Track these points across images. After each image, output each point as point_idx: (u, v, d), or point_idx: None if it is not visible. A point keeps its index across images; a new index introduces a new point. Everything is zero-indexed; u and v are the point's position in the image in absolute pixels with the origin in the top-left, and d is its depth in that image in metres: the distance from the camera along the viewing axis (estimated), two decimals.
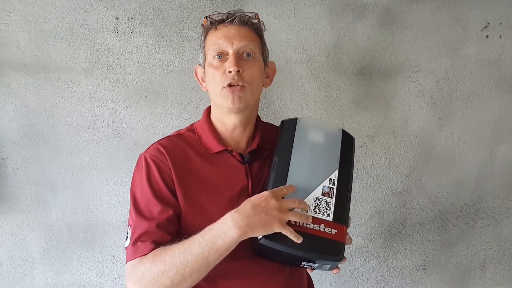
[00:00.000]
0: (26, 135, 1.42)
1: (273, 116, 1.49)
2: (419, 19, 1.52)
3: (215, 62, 0.97)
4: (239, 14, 0.98)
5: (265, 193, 0.87)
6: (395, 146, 1.58)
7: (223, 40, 0.96)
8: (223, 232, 0.83)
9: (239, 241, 0.84)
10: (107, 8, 1.40)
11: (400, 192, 1.61)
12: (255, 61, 0.98)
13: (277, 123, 1.17)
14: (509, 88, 1.59)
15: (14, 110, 1.41)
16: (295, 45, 1.49)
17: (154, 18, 1.42)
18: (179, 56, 1.44)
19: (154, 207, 0.93)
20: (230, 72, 0.94)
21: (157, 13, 1.42)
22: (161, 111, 1.46)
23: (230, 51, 0.95)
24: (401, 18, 1.52)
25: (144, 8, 1.41)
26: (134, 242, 0.90)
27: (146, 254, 0.88)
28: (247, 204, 0.86)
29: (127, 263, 0.90)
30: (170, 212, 0.93)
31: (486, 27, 1.55)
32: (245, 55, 0.96)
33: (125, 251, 0.93)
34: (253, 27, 1.00)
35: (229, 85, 0.94)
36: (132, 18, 1.42)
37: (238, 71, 0.94)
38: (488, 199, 1.65)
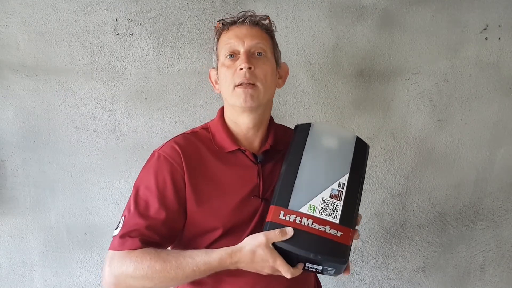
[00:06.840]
0: (25, 137, 1.42)
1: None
2: (418, 21, 1.52)
3: (227, 61, 0.98)
4: (249, 14, 1.01)
5: (269, 260, 0.86)
6: (394, 148, 1.58)
7: (234, 40, 0.98)
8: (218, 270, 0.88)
9: None
10: (107, 10, 1.40)
11: (399, 194, 1.61)
12: (266, 60, 0.99)
13: None
14: (508, 90, 1.59)
15: (13, 112, 1.41)
16: (294, 47, 1.49)
17: (154, 20, 1.42)
18: (178, 58, 1.45)
19: (152, 206, 0.93)
20: (241, 69, 0.95)
21: (156, 15, 1.42)
22: (160, 113, 1.46)
23: (242, 50, 0.97)
24: (400, 20, 1.52)
25: (144, 10, 1.42)
26: (123, 235, 0.91)
27: (133, 250, 0.89)
28: (248, 253, 0.87)
29: (110, 250, 0.91)
30: (167, 215, 0.93)
31: (485, 29, 1.55)
32: (256, 53, 0.98)
33: (112, 239, 0.93)
34: (263, 28, 1.02)
35: (241, 84, 0.95)
36: (131, 20, 1.42)
37: (250, 68, 0.94)
38: (487, 201, 1.65)
